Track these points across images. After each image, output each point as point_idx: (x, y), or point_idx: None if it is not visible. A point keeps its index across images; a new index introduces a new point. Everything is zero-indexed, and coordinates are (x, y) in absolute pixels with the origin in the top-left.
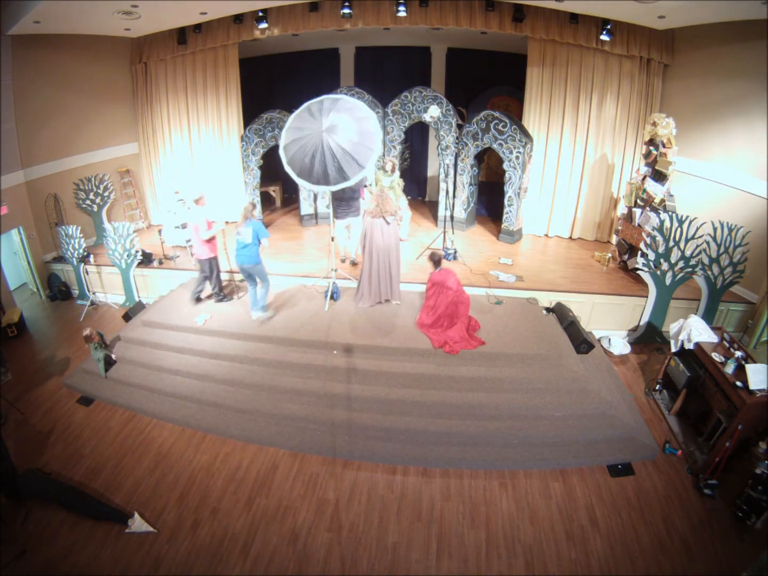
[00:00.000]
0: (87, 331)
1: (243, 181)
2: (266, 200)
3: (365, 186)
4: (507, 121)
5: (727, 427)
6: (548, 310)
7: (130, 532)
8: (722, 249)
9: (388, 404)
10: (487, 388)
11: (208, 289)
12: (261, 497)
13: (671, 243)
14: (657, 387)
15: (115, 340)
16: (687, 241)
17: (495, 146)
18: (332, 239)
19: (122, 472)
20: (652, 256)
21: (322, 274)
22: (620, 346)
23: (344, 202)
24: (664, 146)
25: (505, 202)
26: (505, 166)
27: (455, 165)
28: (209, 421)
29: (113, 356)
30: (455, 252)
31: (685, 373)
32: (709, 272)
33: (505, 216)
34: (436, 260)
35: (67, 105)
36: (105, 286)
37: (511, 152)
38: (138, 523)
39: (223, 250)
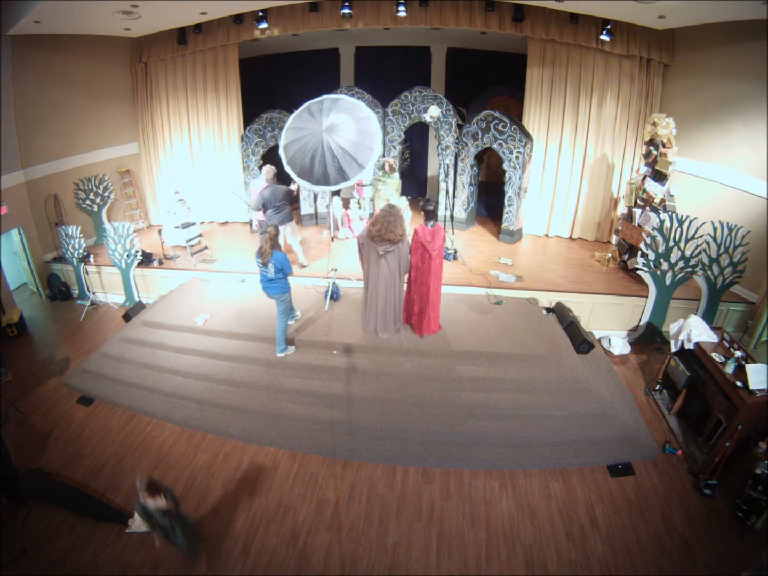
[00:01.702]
0: (148, 483)
1: (243, 181)
2: None
3: (362, 186)
4: (507, 121)
5: (727, 427)
6: (548, 310)
7: (130, 532)
8: (722, 249)
9: (388, 404)
10: (487, 388)
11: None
12: (261, 497)
13: (671, 243)
14: (657, 387)
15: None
16: (687, 241)
17: (495, 146)
18: (332, 239)
19: (122, 472)
20: (652, 256)
21: (322, 274)
22: (620, 346)
23: (273, 208)
24: (664, 146)
25: (505, 202)
26: (505, 166)
27: (455, 165)
28: (209, 421)
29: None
30: (455, 252)
31: (685, 373)
32: (709, 272)
33: (505, 216)
34: (430, 210)
35: (67, 105)
36: (105, 286)
37: (511, 152)
38: (138, 523)
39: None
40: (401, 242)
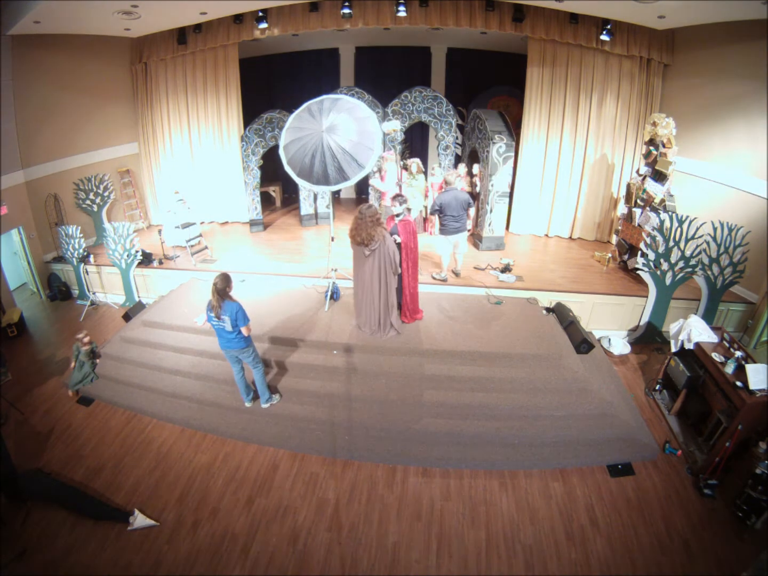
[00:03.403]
0: (84, 336)
1: (243, 181)
2: (266, 200)
3: (376, 172)
4: (484, 118)
5: (727, 427)
6: (548, 310)
7: (132, 530)
8: (722, 249)
9: (388, 404)
10: (487, 388)
11: None
12: (261, 497)
13: (671, 243)
14: (657, 387)
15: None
16: (687, 241)
17: (477, 146)
18: (332, 239)
19: (122, 472)
20: (652, 256)
21: (322, 274)
22: (620, 346)
23: (452, 215)
24: (664, 146)
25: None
26: (480, 166)
27: (455, 165)
28: (209, 421)
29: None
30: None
31: (685, 373)
32: (709, 272)
33: (479, 221)
34: (403, 205)
35: (67, 105)
36: (105, 286)
37: (487, 153)
38: (140, 520)
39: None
40: (383, 241)
